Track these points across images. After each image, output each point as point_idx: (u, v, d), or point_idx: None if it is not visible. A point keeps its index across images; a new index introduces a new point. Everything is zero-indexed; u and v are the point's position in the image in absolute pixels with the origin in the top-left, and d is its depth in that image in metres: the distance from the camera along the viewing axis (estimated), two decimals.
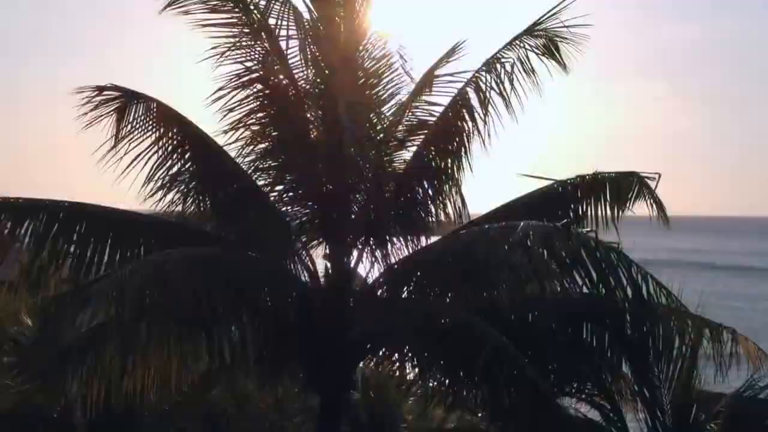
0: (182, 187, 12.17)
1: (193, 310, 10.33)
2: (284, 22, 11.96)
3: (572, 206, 12.21)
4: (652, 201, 11.73)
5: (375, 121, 12.71)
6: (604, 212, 11.98)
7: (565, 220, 11.20)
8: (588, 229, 11.26)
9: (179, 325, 10.67)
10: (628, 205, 11.89)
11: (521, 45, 12.21)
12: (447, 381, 11.45)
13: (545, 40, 12.05)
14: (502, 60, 12.27)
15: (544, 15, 12.08)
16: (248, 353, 11.41)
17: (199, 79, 12.24)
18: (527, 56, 12.17)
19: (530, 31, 12.19)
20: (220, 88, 12.17)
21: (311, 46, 12.30)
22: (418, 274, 12.03)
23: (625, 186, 11.85)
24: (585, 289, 10.61)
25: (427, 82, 12.69)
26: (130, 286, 9.91)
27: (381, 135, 12.66)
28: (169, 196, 12.14)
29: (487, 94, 12.17)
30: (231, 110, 12.24)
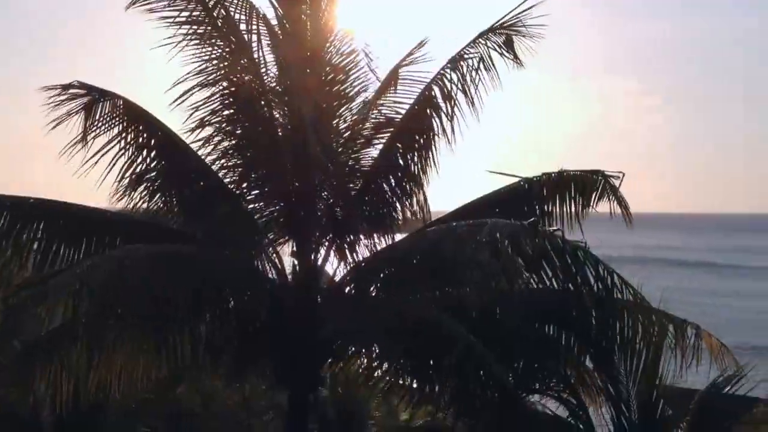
0: (149, 185, 12.12)
1: (156, 307, 10.30)
2: (244, 17, 11.98)
3: (538, 204, 12.27)
4: (615, 199, 11.80)
5: (341, 119, 12.72)
6: (569, 210, 12.06)
7: (533, 219, 11.26)
8: (555, 228, 11.33)
9: (142, 322, 10.62)
10: (592, 203, 11.96)
11: (484, 42, 12.29)
12: (415, 378, 11.49)
13: (505, 36, 12.14)
14: (466, 57, 12.35)
15: (508, 13, 12.20)
16: (214, 351, 11.40)
17: (165, 77, 12.20)
18: (489, 54, 12.26)
19: (493, 28, 12.28)
20: (187, 90, 12.13)
21: (277, 44, 12.31)
22: (386, 271, 12.06)
23: (590, 184, 11.92)
24: (552, 287, 10.68)
25: (392, 79, 12.73)
26: (90, 281, 9.89)
27: (347, 133, 12.69)
28: (136, 194, 12.09)
29: (452, 92, 12.25)
30: (197, 108, 12.21)
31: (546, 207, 12.22)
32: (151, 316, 10.58)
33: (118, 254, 10.69)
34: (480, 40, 12.34)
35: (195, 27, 12.08)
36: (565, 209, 12.09)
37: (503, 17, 12.22)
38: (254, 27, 12.11)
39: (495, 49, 12.23)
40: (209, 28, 12.14)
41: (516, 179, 12.37)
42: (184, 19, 12.02)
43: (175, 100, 12.07)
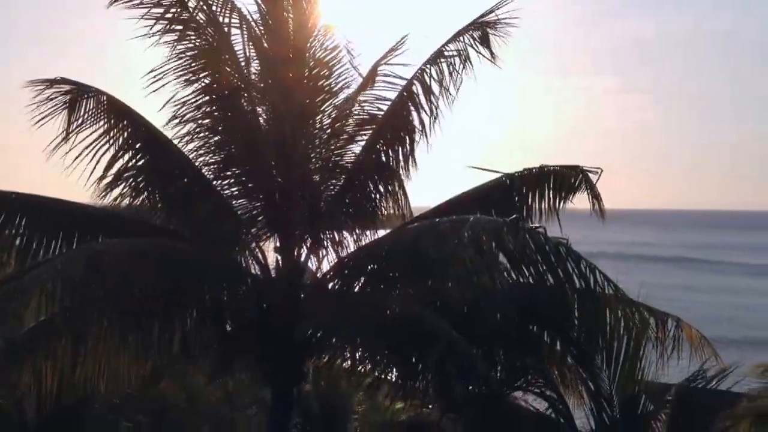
0: (132, 181, 12.13)
1: (135, 302, 10.31)
2: (226, 13, 12.02)
3: (519, 198, 12.41)
4: (591, 194, 12.00)
5: (323, 114, 12.78)
6: (548, 204, 12.22)
7: (515, 216, 11.35)
8: (537, 225, 11.43)
9: (121, 317, 10.62)
10: (570, 197, 12.16)
11: (463, 39, 12.40)
12: (398, 373, 11.55)
13: (481, 32, 12.27)
14: (446, 54, 12.44)
15: (488, 9, 12.33)
16: (197, 346, 11.42)
17: (149, 74, 12.17)
18: (467, 51, 12.37)
19: (471, 24, 12.40)
20: (166, 84, 12.17)
21: (259, 40, 12.35)
22: (369, 267, 12.11)
23: (568, 179, 12.12)
24: (534, 283, 10.76)
25: (374, 76, 12.82)
26: (66, 275, 9.92)
27: (329, 128, 12.74)
28: (119, 189, 12.10)
29: (432, 88, 12.36)
30: (179, 105, 12.23)
31: (527, 201, 12.36)
32: (131, 312, 10.57)
33: (95, 248, 10.67)
34: (459, 36, 12.44)
35: (176, 25, 12.07)
36: (544, 204, 12.26)
37: (482, 14, 12.35)
38: (236, 23, 12.15)
39: (472, 46, 12.34)
40: (192, 24, 12.14)
41: (498, 175, 12.51)
42: (161, 14, 12.00)
43: (154, 92, 12.08)
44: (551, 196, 12.24)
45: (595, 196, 11.97)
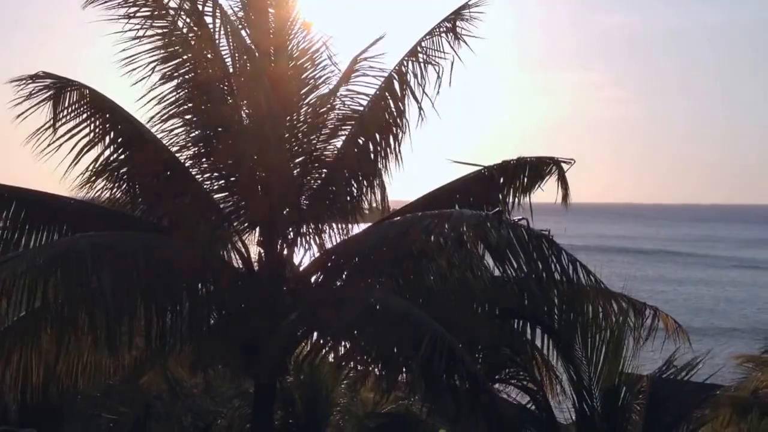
0: (114, 174, 12.14)
1: (117, 296, 10.31)
2: (208, 7, 12.03)
3: (497, 189, 12.57)
4: (560, 183, 12.30)
5: (305, 107, 12.83)
6: (522, 193, 12.41)
7: (497, 209, 11.44)
8: (519, 217, 11.51)
9: (103, 311, 10.60)
10: (541, 184, 12.47)
11: (438, 33, 12.50)
12: (382, 366, 11.58)
13: (451, 24, 12.45)
14: (423, 47, 12.56)
15: (462, 5, 12.48)
16: (180, 340, 11.44)
17: (130, 67, 12.18)
18: (441, 44, 12.47)
19: (446, 19, 12.54)
20: (149, 75, 12.18)
21: (241, 33, 12.38)
22: (352, 260, 12.15)
23: (543, 169, 12.42)
24: (515, 275, 10.82)
25: (353, 71, 12.90)
26: (45, 267, 9.92)
27: (311, 121, 12.78)
28: (101, 183, 12.11)
29: (410, 82, 12.47)
30: (161, 99, 12.25)
31: (505, 192, 12.51)
32: (112, 306, 10.54)
33: (76, 241, 10.67)
34: (435, 31, 12.55)
35: (157, 21, 12.09)
36: (519, 195, 12.52)
37: (456, 9, 12.52)
38: (216, 15, 12.16)
39: (447, 40, 12.45)
40: (172, 17, 12.14)
41: (478, 168, 12.65)
42: (139, 7, 12.03)
43: (135, 84, 12.14)
44: (527, 185, 12.50)
45: (564, 185, 12.28)
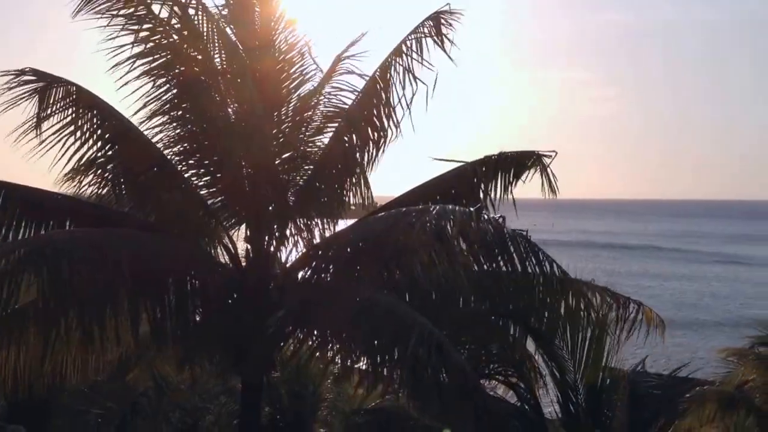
0: (101, 170, 12.14)
1: (104, 292, 10.31)
2: (193, 4, 12.06)
3: (479, 184, 12.63)
4: (543, 176, 12.28)
5: (293, 102, 12.87)
6: (504, 188, 12.47)
7: (478, 205, 11.48)
8: (498, 215, 11.57)
9: (90, 307, 10.62)
10: (524, 179, 12.44)
11: (422, 30, 12.54)
12: (369, 362, 11.60)
13: (434, 21, 12.46)
14: (408, 45, 12.57)
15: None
16: (166, 336, 11.44)
17: (118, 64, 12.19)
18: (426, 42, 12.50)
19: (429, 17, 12.55)
20: (131, 70, 12.19)
21: (226, 30, 12.41)
22: (338, 256, 12.16)
23: (525, 163, 12.44)
24: (496, 272, 10.88)
25: (336, 69, 12.97)
26: (31, 262, 9.92)
27: (297, 118, 12.82)
28: (88, 179, 12.12)
29: (394, 79, 12.50)
30: (148, 96, 12.27)
31: (488, 187, 12.55)
32: (98, 301, 10.55)
33: (61, 236, 10.66)
34: (419, 28, 12.57)
35: (143, 20, 12.10)
36: (500, 189, 12.52)
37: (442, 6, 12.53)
38: (201, 11, 12.19)
39: (431, 37, 12.47)
40: (157, 14, 12.16)
41: (461, 164, 12.72)
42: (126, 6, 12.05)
43: (120, 80, 12.11)
44: (508, 180, 12.51)
45: (548, 178, 12.27)
